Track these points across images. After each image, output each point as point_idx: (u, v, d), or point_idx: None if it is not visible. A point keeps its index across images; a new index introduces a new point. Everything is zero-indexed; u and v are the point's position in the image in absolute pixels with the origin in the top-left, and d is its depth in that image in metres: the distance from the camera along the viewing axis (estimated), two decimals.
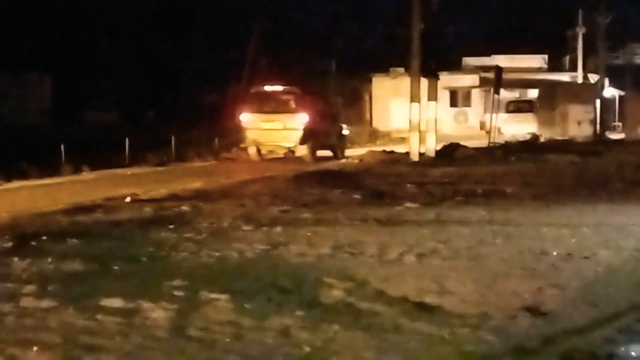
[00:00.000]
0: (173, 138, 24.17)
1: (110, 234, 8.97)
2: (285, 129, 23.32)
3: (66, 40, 36.89)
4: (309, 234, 8.88)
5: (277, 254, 7.72)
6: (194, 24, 39.67)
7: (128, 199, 12.59)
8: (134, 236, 8.82)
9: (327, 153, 24.72)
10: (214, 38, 39.53)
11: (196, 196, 13.02)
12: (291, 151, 23.76)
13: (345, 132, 26.80)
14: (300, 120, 23.35)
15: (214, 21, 39.61)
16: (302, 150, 23.33)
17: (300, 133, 23.07)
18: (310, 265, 7.15)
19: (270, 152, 24.38)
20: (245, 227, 9.44)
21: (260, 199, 12.62)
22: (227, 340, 4.86)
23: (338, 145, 25.62)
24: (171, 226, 9.50)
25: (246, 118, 24.13)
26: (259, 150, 23.94)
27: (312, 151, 23.43)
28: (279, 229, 9.26)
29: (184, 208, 11.30)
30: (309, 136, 23.28)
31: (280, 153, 24.11)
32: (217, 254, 7.66)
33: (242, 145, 24.72)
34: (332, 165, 21.58)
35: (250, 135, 23.85)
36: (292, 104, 23.95)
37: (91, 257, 7.36)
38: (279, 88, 24.85)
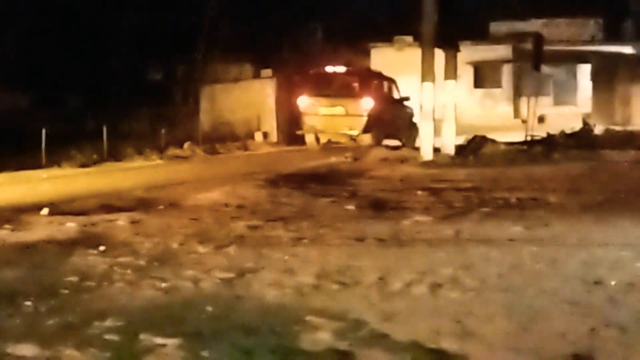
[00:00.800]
0: (105, 129, 24.12)
1: (20, 260, 8.93)
2: (347, 114, 26.17)
3: None
4: (286, 257, 8.88)
5: (244, 284, 7.71)
6: None
7: (45, 212, 12.55)
8: (52, 262, 8.79)
9: (394, 142, 26.76)
10: None
11: (136, 207, 12.99)
12: (353, 139, 26.38)
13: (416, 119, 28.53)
14: (365, 105, 26.32)
15: None
16: (366, 139, 26.00)
17: (364, 120, 26.03)
18: (287, 299, 7.15)
19: (331, 141, 27.05)
20: (200, 249, 9.43)
21: (221, 210, 12.62)
22: None
23: (407, 133, 28.32)
24: (102, 248, 9.47)
25: (304, 102, 27.40)
26: (317, 139, 26.69)
27: (377, 140, 26.13)
28: (246, 250, 9.25)
29: (120, 223, 11.27)
30: (374, 123, 26.31)
31: (343, 142, 26.52)
32: (163, 284, 7.64)
33: (299, 132, 27.99)
34: (321, 164, 21.60)
35: (308, 121, 27.17)
36: (356, 87, 27.20)
37: None
38: (341, 69, 28.25)
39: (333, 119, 26.62)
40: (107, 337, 5.91)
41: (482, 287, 7.56)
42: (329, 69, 28.89)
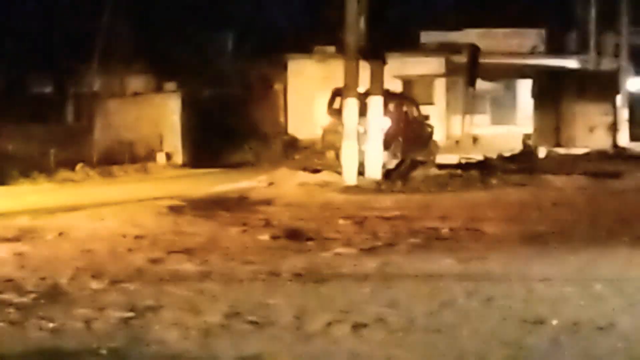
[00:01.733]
0: None
1: None
2: (365, 133, 25.88)
3: None
4: (190, 293, 8.84)
5: (143, 324, 7.67)
6: None
7: None
8: None
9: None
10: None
11: (20, 237, 12.86)
12: None
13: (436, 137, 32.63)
14: (384, 122, 26.79)
15: None
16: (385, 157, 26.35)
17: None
18: (192, 341, 7.12)
19: None
20: (94, 284, 9.36)
21: (117, 240, 12.54)
22: None
23: (426, 151, 31.07)
24: None
25: (324, 120, 30.67)
26: (337, 155, 26.40)
27: (395, 157, 28.06)
28: (145, 286, 9.20)
29: (1, 255, 11.14)
30: (391, 142, 27.99)
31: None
32: (51, 324, 7.56)
33: (318, 150, 31.44)
34: (231, 189, 21.59)
35: (328, 138, 30.26)
36: None
37: None
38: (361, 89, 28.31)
39: None
40: None
41: (410, 327, 7.60)
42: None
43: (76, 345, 7.04)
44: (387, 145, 26.80)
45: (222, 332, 7.43)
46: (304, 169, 25.92)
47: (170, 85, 36.23)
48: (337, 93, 30.75)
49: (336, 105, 30.72)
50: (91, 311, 8.03)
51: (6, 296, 8.71)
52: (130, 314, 7.95)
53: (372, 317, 7.90)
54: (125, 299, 8.61)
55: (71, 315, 7.88)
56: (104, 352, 6.75)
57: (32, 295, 8.79)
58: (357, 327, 7.57)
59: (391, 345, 7.03)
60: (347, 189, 21.66)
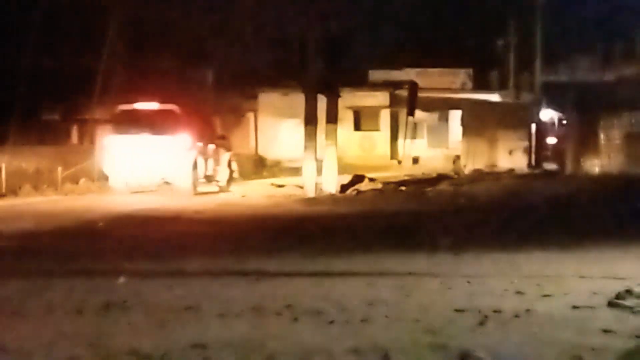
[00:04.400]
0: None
1: None
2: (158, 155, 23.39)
3: None
4: None
5: None
6: (28, 22, 38.55)
7: None
8: None
9: (212, 187, 24.95)
10: (57, 39, 38.75)
11: None
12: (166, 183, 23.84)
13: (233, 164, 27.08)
14: (180, 145, 23.46)
15: (56, 16, 38.67)
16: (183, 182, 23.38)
17: (179, 161, 23.15)
18: None
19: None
20: None
21: None
22: None
23: (225, 176, 26.04)
24: None
25: (109, 142, 24.27)
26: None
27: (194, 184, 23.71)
28: None
29: None
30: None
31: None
32: None
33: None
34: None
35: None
36: (170, 125, 23.98)
37: None
38: (153, 106, 24.96)
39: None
40: None
41: (347, 318, 7.11)
42: (139, 105, 26.06)
43: None
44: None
45: None
46: (272, 184, 25.93)
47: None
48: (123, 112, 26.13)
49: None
50: None
51: None
52: None
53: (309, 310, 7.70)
54: None
55: None
56: None
57: None
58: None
59: (323, 329, 6.66)
60: (308, 200, 21.70)
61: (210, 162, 24.63)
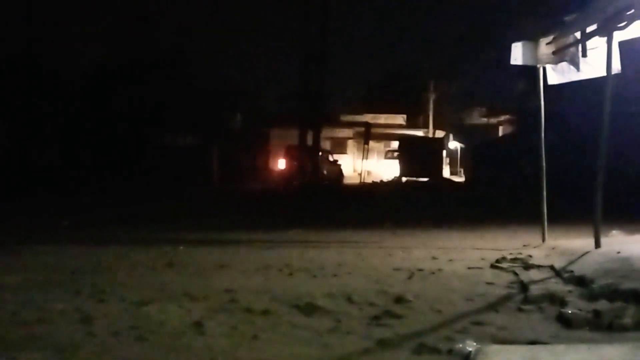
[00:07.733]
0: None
1: None
2: None
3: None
4: None
5: None
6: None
7: None
8: None
9: None
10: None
11: None
12: None
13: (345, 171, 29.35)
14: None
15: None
16: None
17: None
18: None
19: None
20: None
21: None
22: None
23: (338, 178, 29.08)
24: None
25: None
26: None
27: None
28: None
29: None
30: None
31: None
32: None
33: None
34: None
35: None
36: None
37: None
38: None
39: None
40: None
41: (321, 271, 6.88)
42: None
43: None
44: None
45: None
46: None
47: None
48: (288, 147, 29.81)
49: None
50: None
51: None
52: None
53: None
54: None
55: None
56: None
57: None
58: None
59: (309, 280, 6.45)
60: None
61: None
